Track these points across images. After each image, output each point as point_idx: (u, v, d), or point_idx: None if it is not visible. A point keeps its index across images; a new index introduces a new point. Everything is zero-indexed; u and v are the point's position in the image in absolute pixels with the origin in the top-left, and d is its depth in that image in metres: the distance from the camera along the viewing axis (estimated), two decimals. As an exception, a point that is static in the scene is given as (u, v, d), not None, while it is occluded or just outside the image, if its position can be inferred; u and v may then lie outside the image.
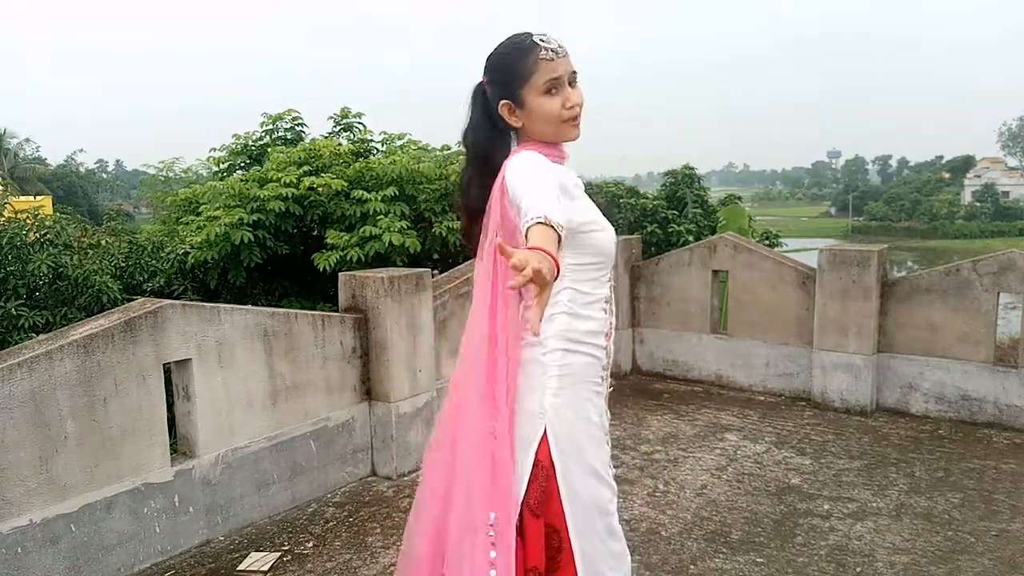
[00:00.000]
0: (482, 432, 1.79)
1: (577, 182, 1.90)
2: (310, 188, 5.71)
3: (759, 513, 3.79)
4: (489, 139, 1.87)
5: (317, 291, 6.04)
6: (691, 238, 13.04)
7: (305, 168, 5.97)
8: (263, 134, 7.26)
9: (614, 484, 1.93)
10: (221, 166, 7.25)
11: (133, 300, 3.52)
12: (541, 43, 1.76)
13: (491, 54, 1.87)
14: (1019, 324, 5.12)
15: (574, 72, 1.80)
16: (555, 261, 1.42)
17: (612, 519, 1.91)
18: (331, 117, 7.54)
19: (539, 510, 1.81)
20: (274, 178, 5.79)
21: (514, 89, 1.79)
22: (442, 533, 1.87)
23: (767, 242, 13.99)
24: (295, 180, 5.74)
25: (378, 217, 5.62)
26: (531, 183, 1.66)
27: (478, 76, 1.92)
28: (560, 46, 1.78)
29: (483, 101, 1.88)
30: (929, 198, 66.99)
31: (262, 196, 5.63)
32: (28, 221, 4.99)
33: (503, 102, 1.82)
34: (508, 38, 1.86)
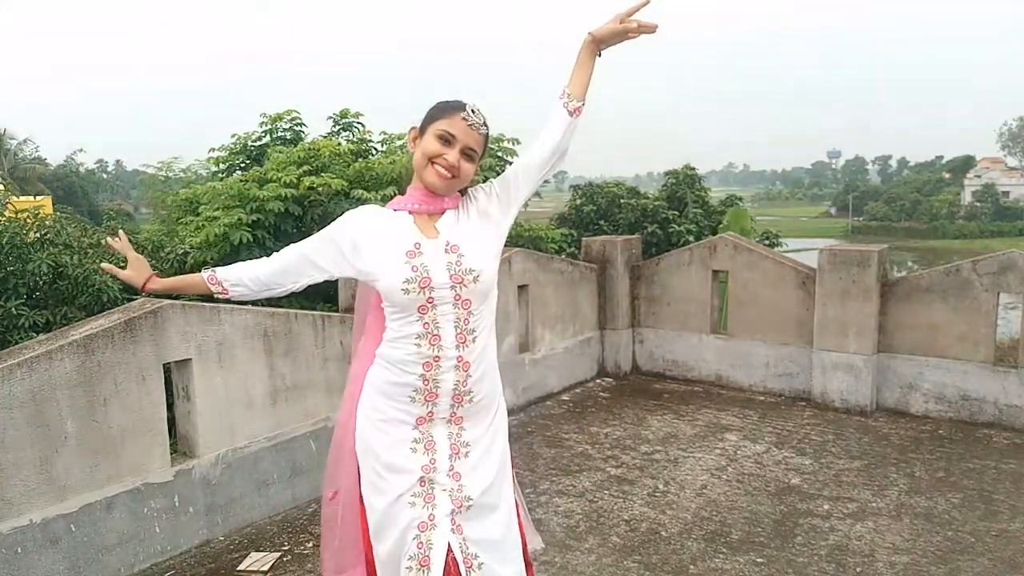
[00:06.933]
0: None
1: (398, 230, 1.99)
2: (310, 188, 5.69)
3: (759, 513, 3.79)
4: None
5: (317, 291, 6.02)
6: (691, 238, 13.04)
7: (305, 168, 5.95)
8: (262, 134, 7.24)
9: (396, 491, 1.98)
10: (220, 166, 7.24)
11: (133, 300, 3.52)
12: (467, 108, 1.96)
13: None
14: (1019, 324, 5.12)
15: (472, 148, 1.96)
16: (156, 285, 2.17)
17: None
18: (330, 117, 7.53)
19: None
20: (274, 178, 5.78)
21: (426, 122, 2.00)
22: None
23: (767, 242, 13.99)
24: (295, 180, 5.72)
25: (378, 216, 5.59)
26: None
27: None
28: (478, 122, 1.96)
29: None
30: (929, 198, 66.86)
31: (261, 196, 5.61)
32: (28, 221, 4.96)
33: (413, 127, 2.04)
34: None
